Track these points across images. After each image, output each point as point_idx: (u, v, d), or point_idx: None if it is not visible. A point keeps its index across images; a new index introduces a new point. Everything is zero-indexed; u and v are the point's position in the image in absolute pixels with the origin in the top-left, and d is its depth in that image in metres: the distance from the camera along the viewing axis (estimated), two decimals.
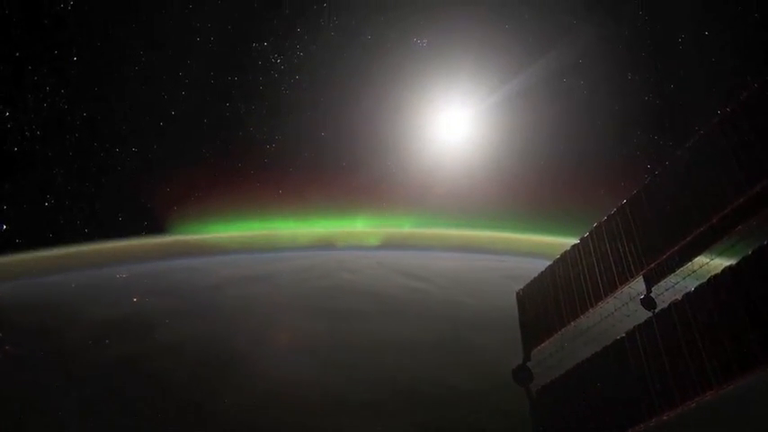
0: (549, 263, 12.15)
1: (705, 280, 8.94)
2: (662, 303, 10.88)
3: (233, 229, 36.52)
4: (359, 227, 39.40)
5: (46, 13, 29.20)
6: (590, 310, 10.62)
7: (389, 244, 39.29)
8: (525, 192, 35.94)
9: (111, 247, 33.70)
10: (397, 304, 27.55)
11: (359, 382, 19.04)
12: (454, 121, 34.65)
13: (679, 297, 9.09)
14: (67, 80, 29.58)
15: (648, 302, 11.74)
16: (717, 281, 8.77)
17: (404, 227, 39.86)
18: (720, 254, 10.25)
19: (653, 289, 11.63)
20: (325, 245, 38.12)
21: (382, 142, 35.12)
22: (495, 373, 17.63)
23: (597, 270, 10.55)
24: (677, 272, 11.21)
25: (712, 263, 10.43)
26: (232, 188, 34.65)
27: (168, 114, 32.02)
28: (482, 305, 27.49)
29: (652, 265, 9.81)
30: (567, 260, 11.30)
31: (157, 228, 33.65)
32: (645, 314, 10.95)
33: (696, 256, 10.73)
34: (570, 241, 11.92)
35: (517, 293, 12.55)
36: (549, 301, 11.32)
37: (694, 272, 11.02)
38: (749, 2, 28.59)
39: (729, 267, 8.60)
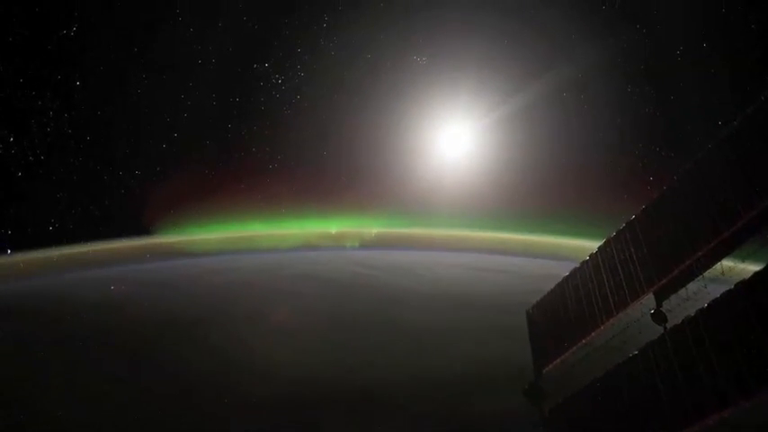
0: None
1: (718, 296, 8.85)
2: (672, 316, 10.81)
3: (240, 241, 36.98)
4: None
5: (49, 39, 29.54)
6: (601, 327, 10.50)
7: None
8: (526, 199, 36.00)
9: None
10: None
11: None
12: (454, 136, 34.76)
13: (692, 312, 9.00)
14: (71, 104, 29.88)
15: (659, 317, 11.62)
16: (730, 296, 8.68)
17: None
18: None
19: (663, 303, 11.54)
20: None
21: (383, 158, 35.23)
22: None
23: (608, 287, 10.46)
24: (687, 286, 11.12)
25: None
26: (236, 205, 34.74)
27: (171, 137, 32.25)
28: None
29: (663, 282, 9.71)
30: (576, 278, 11.21)
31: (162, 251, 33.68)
32: (657, 329, 10.87)
33: (706, 270, 10.64)
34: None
35: (527, 312, 12.44)
36: (560, 318, 11.22)
37: (705, 287, 10.92)
38: (746, 13, 28.76)
39: (742, 282, 8.52)
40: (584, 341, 10.89)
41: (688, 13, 31.13)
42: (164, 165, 32.33)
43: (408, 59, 32.92)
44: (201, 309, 28.06)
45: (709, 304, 8.97)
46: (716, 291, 9.74)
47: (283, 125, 33.60)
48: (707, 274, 10.79)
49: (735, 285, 8.77)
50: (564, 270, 11.90)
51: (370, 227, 39.62)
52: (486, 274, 35.94)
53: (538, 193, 35.57)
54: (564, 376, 11.64)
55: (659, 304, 11.66)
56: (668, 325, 10.77)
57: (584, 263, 11.26)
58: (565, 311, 11.23)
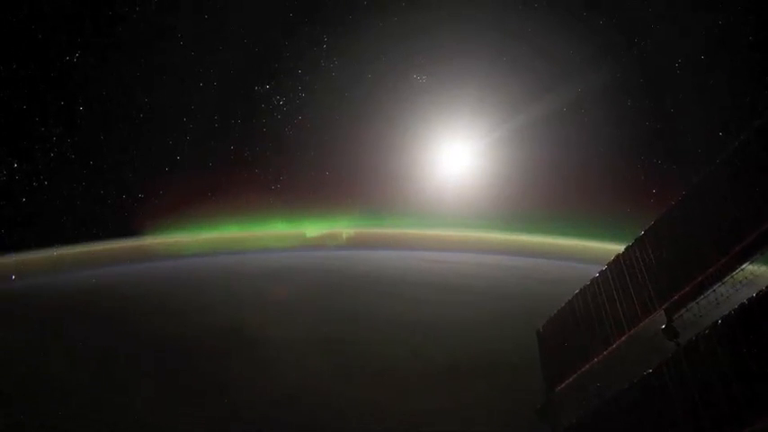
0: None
1: (732, 311, 8.72)
2: (683, 330, 10.67)
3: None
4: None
5: (52, 66, 29.80)
6: (613, 345, 10.37)
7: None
8: (529, 214, 35.96)
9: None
10: None
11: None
12: (456, 153, 34.85)
13: (704, 326, 8.86)
14: (74, 130, 30.05)
15: (671, 332, 11.49)
16: (744, 310, 8.56)
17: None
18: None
19: (674, 318, 11.43)
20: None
21: (385, 177, 35.27)
22: None
23: (618, 304, 10.35)
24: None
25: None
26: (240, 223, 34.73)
27: (174, 159, 32.38)
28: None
29: (674, 298, 9.60)
30: (586, 294, 11.10)
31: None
32: (670, 345, 10.73)
33: (717, 284, 10.54)
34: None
35: (537, 331, 12.31)
36: (571, 337, 11.09)
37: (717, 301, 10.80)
38: (743, 25, 28.97)
39: (757, 295, 8.40)
40: (596, 359, 10.75)
41: (686, 26, 31.39)
42: (167, 187, 32.38)
43: (409, 79, 33.15)
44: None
45: (722, 319, 8.85)
46: (730, 302, 9.65)
47: (285, 146, 33.72)
48: (718, 286, 10.72)
49: (747, 299, 8.66)
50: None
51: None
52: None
53: (540, 205, 35.51)
54: (577, 395, 11.49)
55: (670, 319, 11.56)
56: (680, 340, 10.66)
57: (594, 280, 11.15)
58: (576, 330, 11.11)
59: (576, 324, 11.10)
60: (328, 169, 34.40)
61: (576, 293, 11.38)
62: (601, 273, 10.94)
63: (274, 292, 30.79)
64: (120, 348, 24.01)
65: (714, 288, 10.52)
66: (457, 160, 34.85)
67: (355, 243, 39.81)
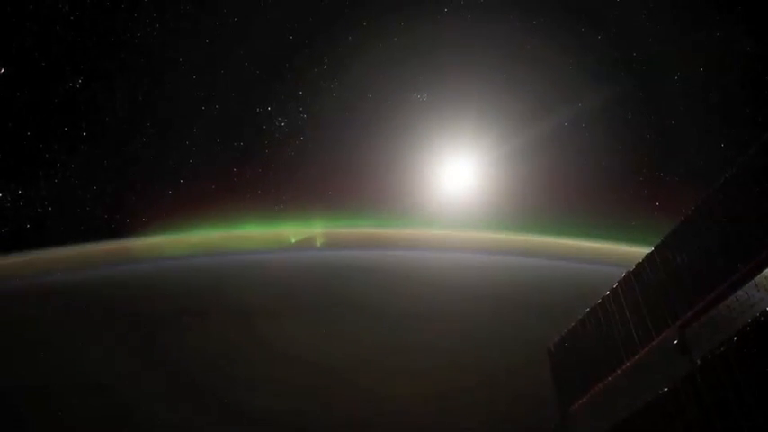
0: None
1: (747, 326, 8.61)
2: (696, 345, 10.56)
3: None
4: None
5: (55, 92, 30.07)
6: (626, 363, 10.26)
7: None
8: (530, 226, 35.95)
9: None
10: None
11: None
12: (457, 170, 34.91)
13: (718, 341, 8.74)
14: (78, 156, 30.18)
15: (682, 347, 11.38)
16: (759, 326, 8.46)
17: None
18: None
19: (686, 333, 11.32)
20: None
21: (388, 196, 35.32)
22: None
23: (630, 322, 10.26)
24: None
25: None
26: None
27: (177, 183, 32.44)
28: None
29: (688, 315, 9.52)
30: (598, 313, 11.01)
31: None
32: (684, 362, 10.60)
33: (730, 297, 10.45)
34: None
35: (549, 349, 12.20)
36: (583, 355, 10.98)
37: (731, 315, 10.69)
38: (742, 37, 29.18)
39: None
40: (610, 378, 10.63)
41: (684, 41, 31.62)
42: (170, 211, 32.41)
43: (410, 97, 33.34)
44: None
45: (737, 336, 8.73)
46: (744, 317, 9.54)
47: (287, 167, 33.80)
48: (732, 300, 10.62)
49: (760, 313, 8.55)
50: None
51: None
52: None
53: (542, 218, 35.56)
54: (591, 415, 11.33)
55: (683, 332, 11.45)
56: (695, 354, 10.54)
57: (606, 297, 11.07)
58: (588, 348, 11.01)
59: (589, 342, 11.00)
60: (331, 189, 34.41)
61: (588, 312, 11.29)
62: (612, 290, 10.87)
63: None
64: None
65: (727, 302, 10.46)
66: (459, 177, 34.85)
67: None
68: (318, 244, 38.86)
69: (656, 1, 30.44)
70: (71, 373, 22.37)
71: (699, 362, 10.63)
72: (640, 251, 10.96)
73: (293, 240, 38.60)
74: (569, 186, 34.57)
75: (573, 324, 11.69)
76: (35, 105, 29.72)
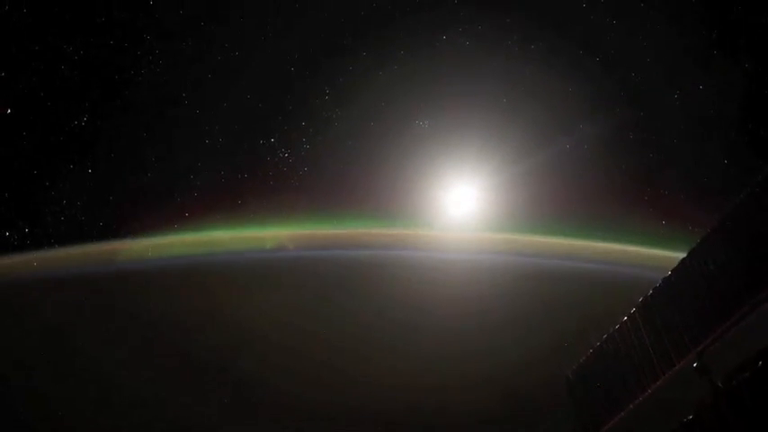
0: None
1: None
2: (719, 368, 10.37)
3: None
4: None
5: (60, 130, 30.39)
6: (648, 390, 10.06)
7: None
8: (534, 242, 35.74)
9: None
10: None
11: None
12: (460, 196, 34.94)
13: (747, 372, 8.57)
14: (83, 194, 30.36)
15: (703, 369, 11.17)
16: None
17: None
18: None
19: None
20: None
21: (392, 223, 35.31)
22: None
23: (650, 349, 10.08)
24: None
25: None
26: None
27: (182, 216, 32.47)
28: None
29: (708, 338, 9.37)
30: (615, 339, 10.84)
31: None
32: (706, 387, 10.40)
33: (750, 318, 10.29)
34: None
35: (567, 377, 11.97)
36: (603, 383, 10.78)
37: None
38: (740, 53, 29.42)
39: None
40: (631, 406, 10.42)
41: (681, 58, 31.91)
42: (177, 242, 32.43)
43: (411, 125, 33.55)
44: None
45: (763, 359, 8.57)
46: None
47: (292, 198, 33.86)
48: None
49: None
50: None
51: None
52: None
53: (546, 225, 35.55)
54: None
55: (702, 357, 11.25)
56: (714, 377, 10.35)
57: (623, 323, 10.91)
58: (607, 376, 10.81)
59: (607, 369, 10.80)
60: (335, 217, 34.42)
61: (605, 339, 11.10)
62: (629, 317, 10.69)
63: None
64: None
65: (748, 323, 10.29)
66: (461, 203, 34.89)
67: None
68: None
69: (654, 22, 30.75)
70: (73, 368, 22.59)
71: (720, 384, 10.46)
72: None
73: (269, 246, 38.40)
74: (572, 204, 34.59)
75: (590, 350, 11.49)
76: (41, 144, 30.03)
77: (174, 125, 31.80)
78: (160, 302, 30.47)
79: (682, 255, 9.73)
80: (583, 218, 34.01)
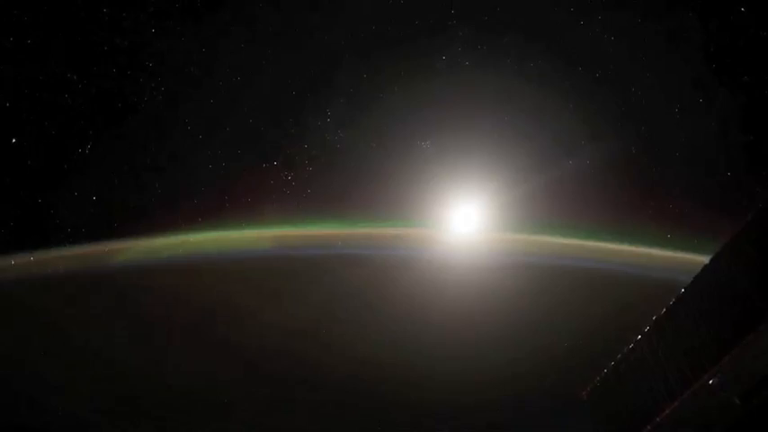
0: None
1: None
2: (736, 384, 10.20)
3: None
4: None
5: (64, 158, 30.63)
6: (666, 411, 9.88)
7: None
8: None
9: None
10: None
11: None
12: (464, 216, 34.95)
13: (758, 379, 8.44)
14: (88, 221, 30.53)
15: (721, 386, 11.00)
16: None
17: None
18: None
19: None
20: None
21: (395, 245, 35.31)
22: None
23: (666, 369, 9.91)
24: None
25: None
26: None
27: (187, 240, 32.54)
28: None
29: (725, 359, 9.22)
30: (631, 359, 10.68)
31: None
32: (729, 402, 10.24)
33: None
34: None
35: (581, 397, 11.79)
36: (622, 403, 10.59)
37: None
38: (741, 64, 29.60)
39: None
40: (649, 428, 10.22)
41: (679, 70, 32.10)
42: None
43: (414, 145, 33.70)
44: None
45: None
46: None
47: (296, 221, 33.91)
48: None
49: None
50: None
51: None
52: None
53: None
54: None
55: (719, 376, 11.08)
56: (731, 396, 10.18)
57: (638, 342, 10.76)
58: (625, 396, 10.62)
59: (625, 390, 10.61)
60: (341, 239, 34.44)
61: (620, 358, 10.95)
62: (644, 335, 10.55)
63: None
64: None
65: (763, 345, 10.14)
66: (466, 223, 34.89)
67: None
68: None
69: (653, 38, 31.01)
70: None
71: (738, 401, 10.27)
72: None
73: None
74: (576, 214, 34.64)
75: (605, 371, 11.33)
76: (45, 172, 30.24)
77: (178, 152, 32.08)
78: (160, 302, 30.43)
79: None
80: (588, 223, 34.05)
